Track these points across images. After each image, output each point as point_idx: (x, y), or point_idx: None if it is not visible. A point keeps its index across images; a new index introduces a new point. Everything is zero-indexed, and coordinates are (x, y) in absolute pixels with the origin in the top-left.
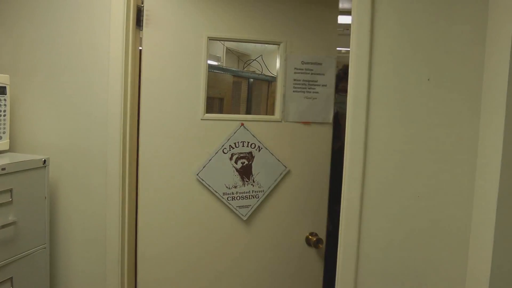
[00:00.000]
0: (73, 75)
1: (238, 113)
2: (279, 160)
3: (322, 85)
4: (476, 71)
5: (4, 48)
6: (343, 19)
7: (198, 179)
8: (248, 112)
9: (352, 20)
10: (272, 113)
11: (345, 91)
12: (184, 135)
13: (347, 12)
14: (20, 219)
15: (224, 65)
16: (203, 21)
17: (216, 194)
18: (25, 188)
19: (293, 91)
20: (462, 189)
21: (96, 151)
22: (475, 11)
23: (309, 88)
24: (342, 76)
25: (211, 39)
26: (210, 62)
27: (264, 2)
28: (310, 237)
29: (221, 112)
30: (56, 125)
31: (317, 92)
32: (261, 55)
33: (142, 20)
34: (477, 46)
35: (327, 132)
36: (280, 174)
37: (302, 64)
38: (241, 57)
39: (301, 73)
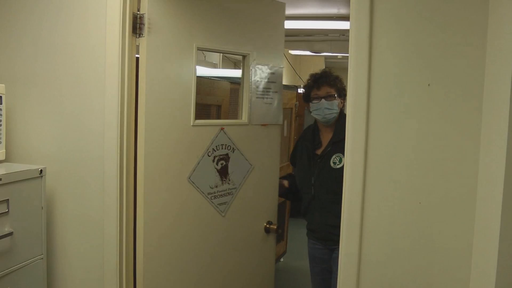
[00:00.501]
0: (69, 84)
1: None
2: (246, 159)
3: (274, 92)
4: (477, 75)
5: (1, 58)
6: (339, 25)
7: (189, 182)
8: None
9: (351, 26)
10: (245, 118)
11: (318, 98)
12: (179, 140)
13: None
14: (17, 229)
15: (220, 68)
16: (193, 31)
17: (203, 194)
18: (21, 198)
19: (256, 97)
20: (464, 195)
21: (93, 159)
22: (475, 14)
23: (266, 94)
24: (311, 85)
25: (199, 48)
26: (208, 69)
27: (236, 20)
28: (267, 225)
29: (219, 119)
30: (52, 134)
31: (271, 98)
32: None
33: (138, 28)
34: (478, 49)
35: (278, 132)
36: (248, 171)
37: (262, 73)
38: (237, 64)
39: (261, 81)
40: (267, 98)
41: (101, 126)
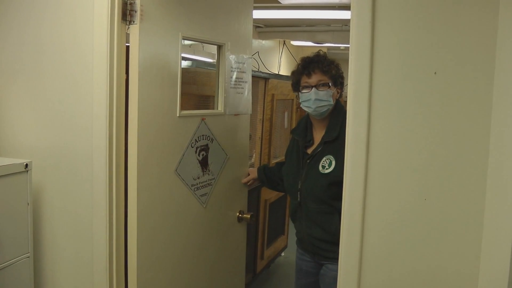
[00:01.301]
0: (56, 75)
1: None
2: (223, 149)
3: (245, 82)
4: (488, 62)
5: None
6: (341, 14)
7: (176, 174)
8: None
9: (352, 11)
10: (221, 108)
11: (308, 87)
12: (168, 132)
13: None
14: (1, 227)
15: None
16: (179, 20)
17: (188, 186)
18: (6, 194)
19: (230, 87)
20: (473, 190)
21: (82, 153)
22: None
23: (238, 84)
24: (301, 71)
25: (184, 38)
26: (205, 59)
27: (212, 8)
28: (239, 215)
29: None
30: (39, 127)
31: (242, 88)
32: (258, 51)
33: (128, 14)
34: (489, 34)
35: (248, 122)
36: (224, 161)
37: (235, 63)
38: None
39: (234, 71)
40: (239, 88)
41: (90, 118)
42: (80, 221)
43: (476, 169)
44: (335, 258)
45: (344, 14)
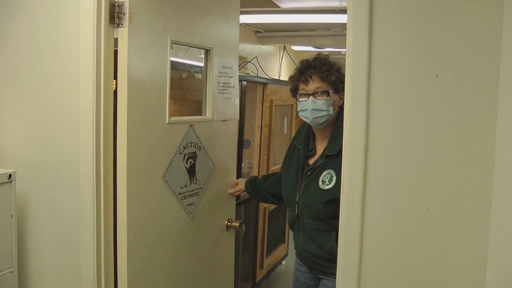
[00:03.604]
0: (40, 79)
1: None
2: (210, 158)
3: (232, 87)
4: (493, 63)
5: None
6: (341, 18)
7: (164, 181)
8: (242, 115)
9: (348, 11)
10: (209, 114)
11: (305, 95)
12: (156, 139)
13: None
14: None
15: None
16: (168, 24)
17: (175, 194)
18: None
19: (218, 92)
20: (478, 199)
21: (68, 161)
22: None
23: (226, 90)
24: (298, 77)
25: (173, 42)
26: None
27: (200, 12)
28: (228, 223)
29: None
30: (23, 135)
31: (230, 93)
32: (256, 56)
33: (117, 17)
34: (494, 34)
35: (236, 129)
36: (211, 171)
37: (223, 68)
38: None
39: (222, 76)
40: (226, 93)
41: (76, 125)
42: (67, 233)
43: (481, 177)
44: (332, 274)
45: (344, 18)
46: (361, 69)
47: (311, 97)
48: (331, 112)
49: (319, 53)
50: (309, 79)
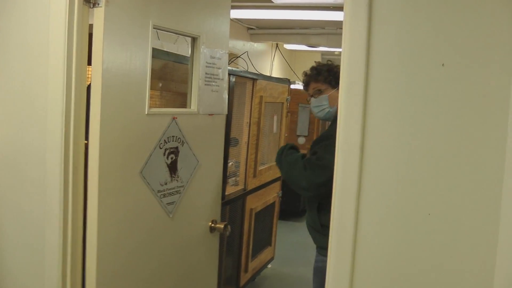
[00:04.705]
0: (5, 62)
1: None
2: (194, 154)
3: (220, 79)
4: (505, 51)
5: None
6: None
7: (141, 176)
8: (230, 112)
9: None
10: (194, 106)
11: (310, 98)
12: (134, 131)
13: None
14: None
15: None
16: (150, 7)
17: (153, 191)
18: None
19: (205, 84)
20: (486, 201)
21: (33, 154)
22: None
23: (213, 82)
24: (304, 87)
25: (155, 27)
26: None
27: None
28: (212, 225)
29: None
30: None
31: (218, 86)
32: (247, 51)
33: None
34: (506, 18)
35: (223, 123)
36: (194, 168)
37: (210, 58)
38: None
39: (209, 66)
40: (214, 85)
41: (44, 112)
42: (30, 233)
43: (490, 178)
44: (319, 247)
45: (339, 16)
46: (358, 56)
47: (312, 98)
48: (327, 104)
49: (316, 62)
50: (309, 85)
